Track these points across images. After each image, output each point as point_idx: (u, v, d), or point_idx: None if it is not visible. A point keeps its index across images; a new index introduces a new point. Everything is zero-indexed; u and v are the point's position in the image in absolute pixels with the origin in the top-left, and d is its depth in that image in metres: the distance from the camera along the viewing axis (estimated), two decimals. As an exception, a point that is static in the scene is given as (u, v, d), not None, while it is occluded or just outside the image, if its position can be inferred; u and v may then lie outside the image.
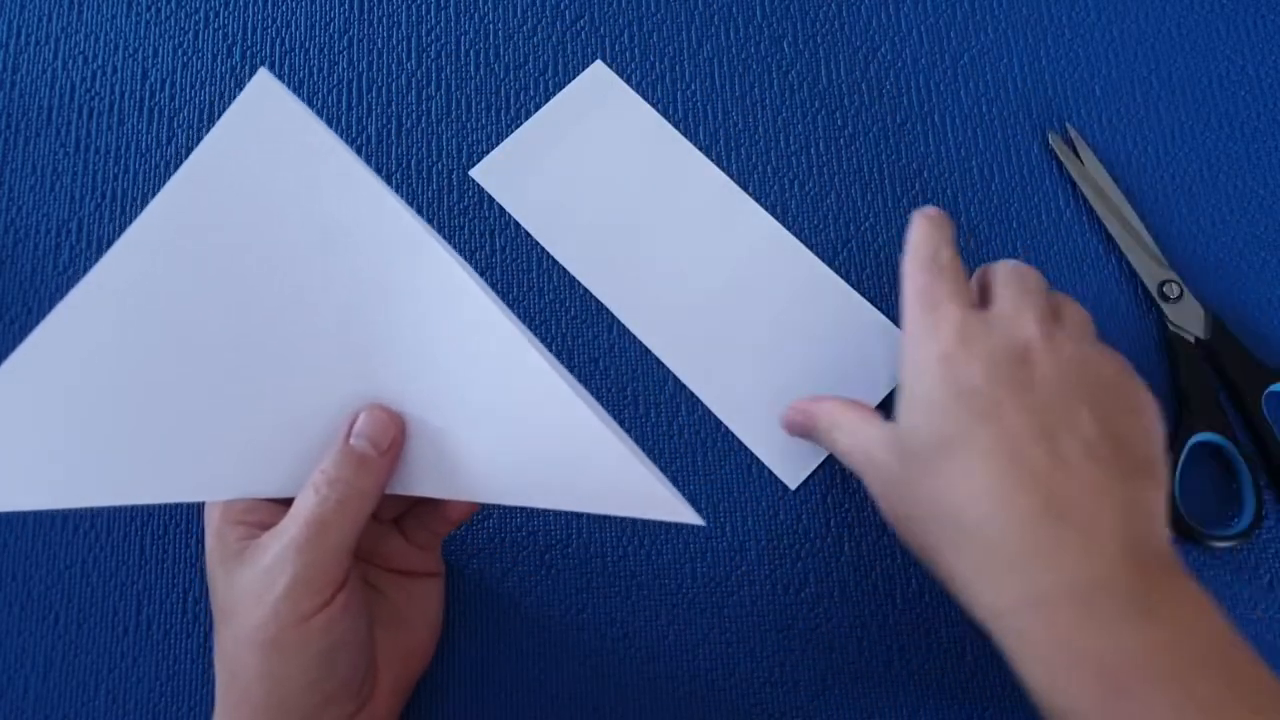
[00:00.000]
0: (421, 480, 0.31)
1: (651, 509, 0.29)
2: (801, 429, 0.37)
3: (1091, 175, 0.42)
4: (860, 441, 0.34)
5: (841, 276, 0.41)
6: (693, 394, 0.40)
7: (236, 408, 0.31)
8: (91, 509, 0.39)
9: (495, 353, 0.30)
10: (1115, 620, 0.27)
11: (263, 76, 0.30)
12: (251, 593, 0.29)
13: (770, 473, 0.39)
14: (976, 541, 0.30)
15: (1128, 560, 0.28)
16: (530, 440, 0.30)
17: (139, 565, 0.38)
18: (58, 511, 0.39)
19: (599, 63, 0.44)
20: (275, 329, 0.31)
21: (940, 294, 0.33)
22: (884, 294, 0.41)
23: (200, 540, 0.38)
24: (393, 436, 0.30)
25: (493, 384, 0.30)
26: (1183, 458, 0.38)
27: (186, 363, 0.30)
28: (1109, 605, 0.27)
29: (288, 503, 0.30)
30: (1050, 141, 0.42)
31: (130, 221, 0.30)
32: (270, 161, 0.30)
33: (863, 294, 0.41)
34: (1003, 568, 0.29)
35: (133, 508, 0.39)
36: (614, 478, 0.30)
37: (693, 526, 0.38)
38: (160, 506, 0.39)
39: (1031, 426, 0.30)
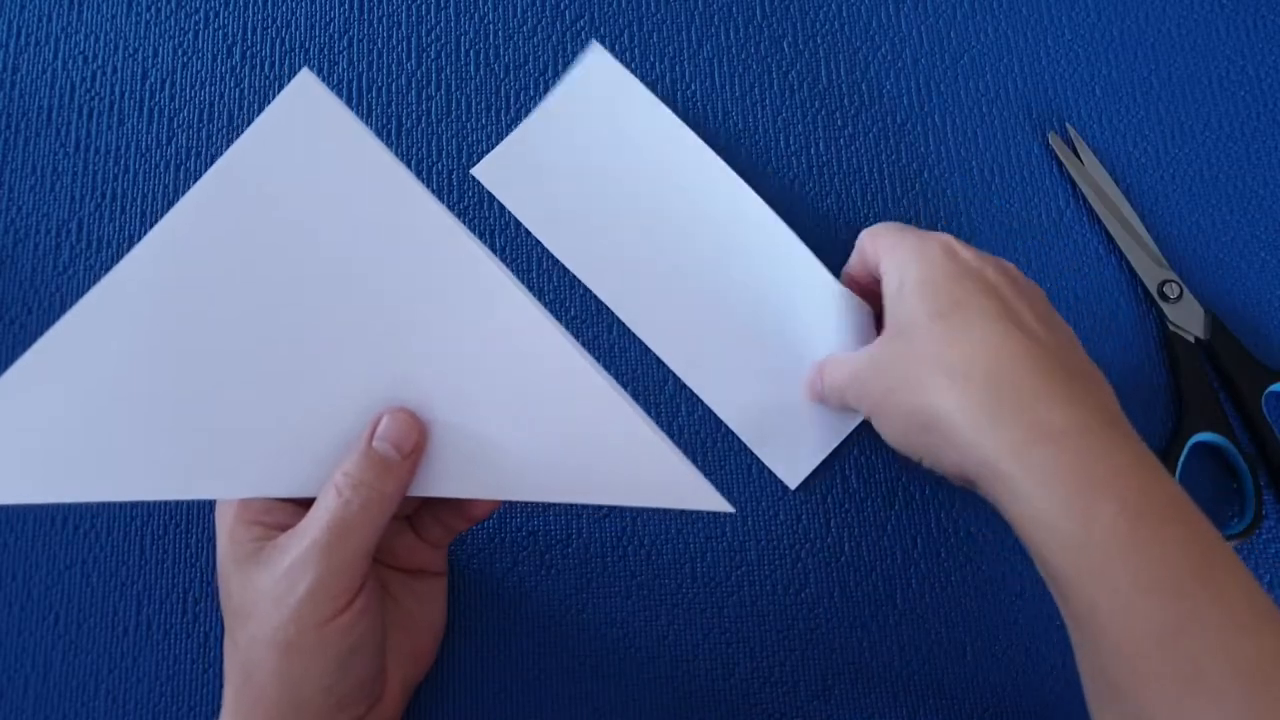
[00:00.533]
0: (445, 481, 0.31)
1: (686, 499, 0.30)
2: (816, 389, 0.38)
3: (1091, 175, 0.42)
4: (849, 361, 0.36)
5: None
6: (693, 394, 0.40)
7: (259, 405, 0.30)
8: (92, 509, 0.39)
9: (533, 351, 0.30)
10: (1129, 457, 0.29)
11: (304, 76, 0.30)
12: (270, 595, 0.29)
13: (770, 473, 0.39)
14: (987, 384, 0.31)
15: (1123, 418, 0.31)
16: (565, 436, 0.30)
17: (139, 565, 0.38)
18: (58, 511, 0.39)
19: (595, 43, 0.42)
20: (301, 328, 0.30)
21: (924, 230, 0.36)
22: (884, 294, 0.41)
23: (201, 540, 0.38)
24: (415, 440, 0.30)
25: (528, 382, 0.30)
26: (1183, 458, 0.38)
27: (211, 358, 0.30)
28: (1123, 443, 0.30)
29: (303, 503, 0.30)
30: (1050, 141, 0.42)
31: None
32: (307, 161, 0.30)
33: (863, 294, 0.41)
34: (1017, 406, 0.30)
35: (133, 508, 0.39)
36: (650, 469, 0.30)
37: (692, 526, 0.38)
38: (160, 506, 0.39)
39: (1029, 310, 0.33)
